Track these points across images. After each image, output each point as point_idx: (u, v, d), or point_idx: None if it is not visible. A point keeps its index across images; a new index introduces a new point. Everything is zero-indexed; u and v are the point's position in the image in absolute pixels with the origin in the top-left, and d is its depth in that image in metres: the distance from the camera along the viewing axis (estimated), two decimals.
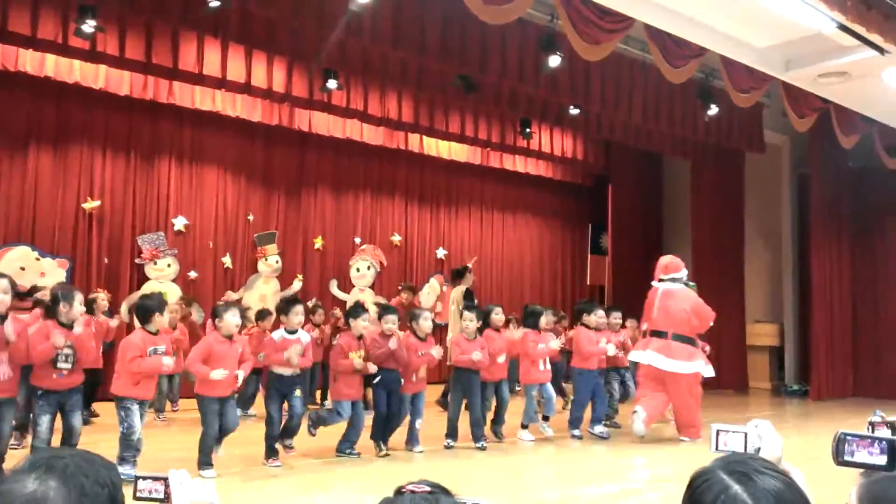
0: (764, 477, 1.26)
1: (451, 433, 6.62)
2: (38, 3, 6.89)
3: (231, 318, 5.38)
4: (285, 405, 5.83)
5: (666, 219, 13.81)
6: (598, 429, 7.33)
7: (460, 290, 9.32)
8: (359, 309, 6.27)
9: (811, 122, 9.26)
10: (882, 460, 1.28)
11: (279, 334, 5.90)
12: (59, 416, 4.98)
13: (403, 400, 6.26)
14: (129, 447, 5.01)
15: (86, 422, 6.19)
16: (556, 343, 7.36)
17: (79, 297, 5.11)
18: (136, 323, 5.49)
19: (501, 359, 6.93)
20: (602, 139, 12.02)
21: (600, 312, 7.53)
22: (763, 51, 7.79)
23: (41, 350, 4.74)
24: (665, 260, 7.74)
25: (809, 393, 11.05)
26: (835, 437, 1.30)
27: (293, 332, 5.87)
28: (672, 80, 7.94)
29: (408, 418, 6.37)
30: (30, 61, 7.81)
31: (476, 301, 9.25)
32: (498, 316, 7.06)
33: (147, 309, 5.24)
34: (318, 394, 8.73)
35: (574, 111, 9.67)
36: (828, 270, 11.19)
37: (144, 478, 1.38)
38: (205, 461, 5.21)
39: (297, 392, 5.84)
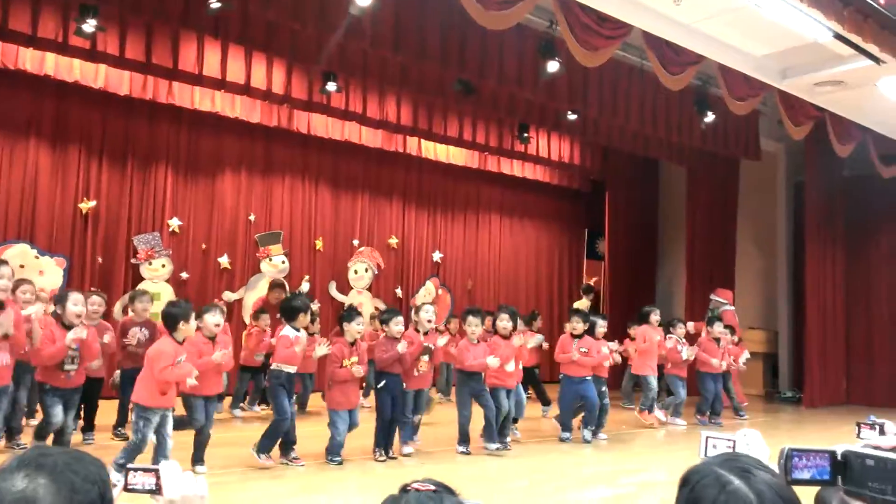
0: (760, 472, 1.27)
1: (464, 439, 6.49)
2: (39, 2, 6.90)
3: (211, 319, 5.39)
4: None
5: (661, 224, 13.86)
6: (586, 432, 7.35)
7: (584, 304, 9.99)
8: (352, 313, 6.14)
9: (807, 130, 9.32)
10: (827, 474, 1.30)
11: (292, 332, 5.84)
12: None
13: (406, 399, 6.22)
14: (131, 456, 4.81)
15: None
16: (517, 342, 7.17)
17: (73, 298, 5.08)
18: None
19: (510, 366, 6.74)
20: (599, 144, 12.06)
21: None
22: (760, 59, 7.85)
23: (50, 353, 4.75)
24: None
25: (803, 400, 11.10)
26: (781, 453, 1.29)
27: (297, 330, 5.87)
28: (669, 87, 7.99)
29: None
30: (30, 59, 7.81)
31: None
32: (503, 324, 6.85)
33: (173, 317, 5.03)
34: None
35: (572, 116, 9.71)
36: (822, 277, 11.25)
37: (135, 469, 1.37)
38: (198, 458, 5.25)
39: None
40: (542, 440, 7.42)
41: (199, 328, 5.39)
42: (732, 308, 10.81)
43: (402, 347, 6.02)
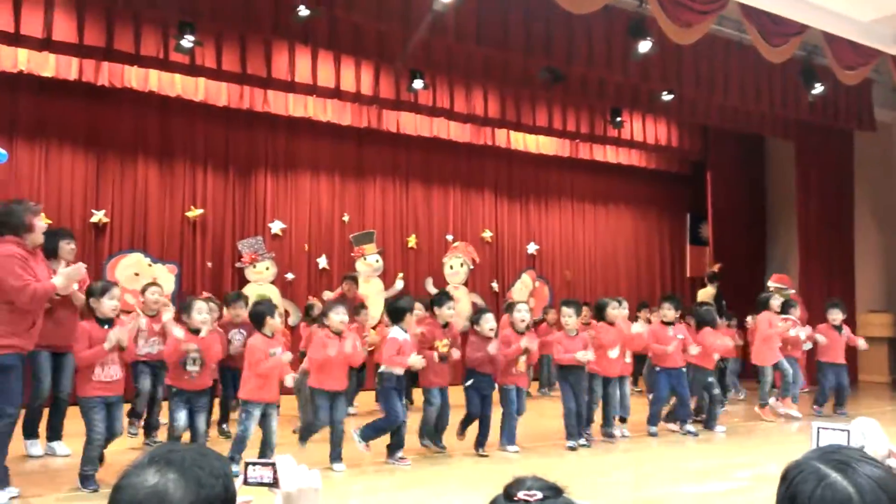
0: (863, 464, 1.22)
1: (572, 432, 6.37)
2: (140, 22, 7.28)
3: (336, 316, 5.53)
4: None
5: (770, 204, 13.16)
6: (688, 426, 7.08)
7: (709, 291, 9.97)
8: (443, 297, 6.22)
9: None
10: None
11: (400, 333, 5.82)
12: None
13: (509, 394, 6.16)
14: (239, 449, 5.10)
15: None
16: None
17: (113, 292, 4.95)
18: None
19: (614, 353, 6.67)
20: (697, 124, 11.61)
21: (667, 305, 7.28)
22: (869, 24, 7.33)
23: (89, 354, 4.72)
24: None
25: None
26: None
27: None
28: (771, 60, 7.58)
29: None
30: (135, 77, 8.25)
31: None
32: (614, 310, 6.80)
33: (260, 314, 5.38)
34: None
35: (667, 97, 9.37)
36: None
37: (254, 464, 1.42)
38: (334, 455, 5.43)
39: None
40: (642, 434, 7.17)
41: (326, 325, 5.60)
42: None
43: (492, 348, 6.00)
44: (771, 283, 10.43)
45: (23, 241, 4.54)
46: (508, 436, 6.17)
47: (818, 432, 1.65)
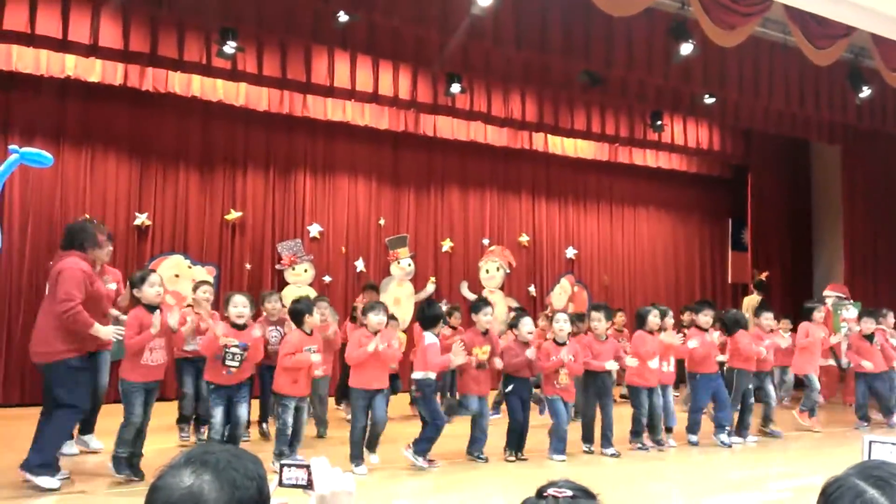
0: None
1: (588, 437, 6.38)
2: (183, 28, 7.41)
3: (374, 318, 5.56)
4: None
5: (815, 210, 12.85)
6: (723, 437, 6.92)
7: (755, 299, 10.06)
8: (481, 304, 6.17)
9: None
10: None
11: (435, 339, 5.89)
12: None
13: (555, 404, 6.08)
14: (284, 442, 5.31)
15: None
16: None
17: (152, 279, 5.06)
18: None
19: (654, 363, 6.56)
20: (740, 128, 11.40)
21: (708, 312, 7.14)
22: None
23: (139, 339, 4.88)
24: None
25: None
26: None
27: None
28: (817, 63, 7.41)
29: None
30: (178, 83, 8.40)
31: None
32: (654, 319, 6.69)
33: (299, 312, 5.59)
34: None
35: (709, 100, 9.22)
36: None
37: (289, 465, 1.43)
38: (370, 447, 5.53)
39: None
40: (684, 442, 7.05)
41: (364, 324, 5.68)
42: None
43: (530, 353, 5.96)
44: (827, 293, 10.18)
45: (87, 257, 4.96)
46: (556, 445, 6.08)
47: (869, 445, 1.58)
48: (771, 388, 7.46)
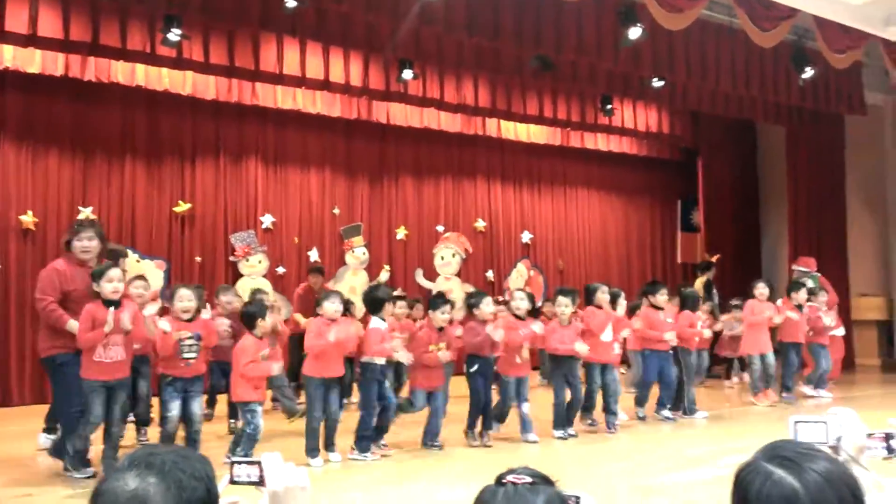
0: (811, 459, 1.23)
1: (561, 422, 6.39)
2: (126, 15, 7.18)
3: (330, 306, 5.52)
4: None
5: (761, 190, 13.18)
6: (665, 412, 7.12)
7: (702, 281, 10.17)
8: (438, 301, 6.13)
9: None
10: None
11: (381, 324, 5.82)
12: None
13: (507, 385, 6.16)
14: (251, 446, 5.16)
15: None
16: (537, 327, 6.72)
17: (110, 274, 4.91)
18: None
19: (607, 336, 6.62)
20: (688, 110, 11.59)
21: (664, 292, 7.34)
22: (860, 7, 7.32)
23: (90, 337, 4.79)
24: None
25: None
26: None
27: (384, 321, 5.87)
28: (761, 45, 7.56)
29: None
30: (121, 72, 8.16)
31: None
32: (603, 295, 6.78)
33: (251, 315, 5.41)
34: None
35: (658, 83, 9.34)
36: None
37: (240, 462, 1.40)
38: (328, 443, 5.47)
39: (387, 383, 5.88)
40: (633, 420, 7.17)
41: (319, 314, 5.60)
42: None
43: (498, 336, 5.94)
44: (796, 267, 10.33)
45: (72, 257, 5.14)
46: (525, 425, 6.17)
47: (795, 425, 1.65)
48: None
